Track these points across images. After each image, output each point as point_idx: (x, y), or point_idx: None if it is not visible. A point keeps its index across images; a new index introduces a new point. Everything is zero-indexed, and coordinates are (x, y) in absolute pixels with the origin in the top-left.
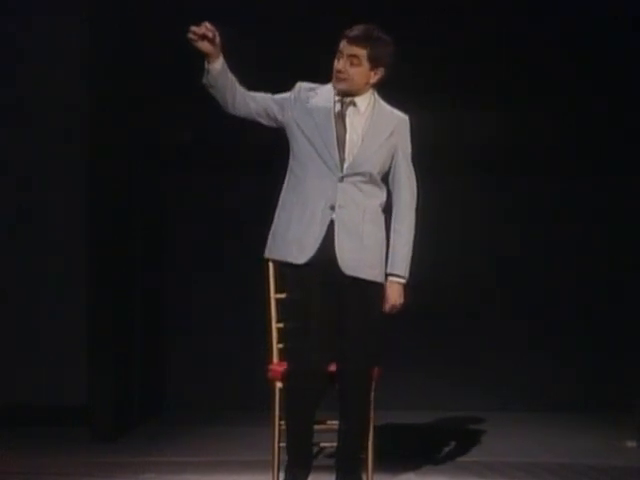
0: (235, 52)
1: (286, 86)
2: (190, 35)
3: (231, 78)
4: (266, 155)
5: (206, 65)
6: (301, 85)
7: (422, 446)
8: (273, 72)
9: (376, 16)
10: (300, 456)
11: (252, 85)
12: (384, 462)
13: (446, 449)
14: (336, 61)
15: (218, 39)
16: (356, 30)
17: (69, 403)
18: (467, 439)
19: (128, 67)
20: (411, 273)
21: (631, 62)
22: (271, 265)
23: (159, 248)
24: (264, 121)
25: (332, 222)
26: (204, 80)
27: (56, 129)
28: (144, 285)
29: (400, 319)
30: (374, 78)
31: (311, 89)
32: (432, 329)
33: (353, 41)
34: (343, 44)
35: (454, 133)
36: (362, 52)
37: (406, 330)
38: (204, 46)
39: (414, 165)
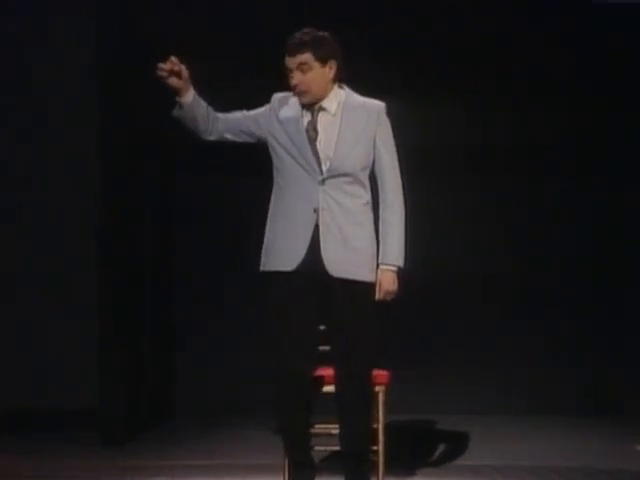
0: (232, 54)
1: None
2: (159, 72)
3: (204, 107)
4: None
5: (177, 99)
6: (276, 96)
7: (430, 449)
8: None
9: (376, 16)
10: (300, 459)
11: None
12: (391, 465)
13: (456, 452)
14: (289, 80)
15: (186, 73)
16: (291, 41)
17: (79, 407)
18: (478, 442)
19: (130, 67)
20: (412, 273)
21: (631, 62)
22: None
23: (170, 251)
24: (239, 139)
25: (317, 226)
26: (175, 113)
27: (57, 129)
28: (154, 290)
29: (406, 321)
30: (331, 73)
31: (284, 99)
32: (436, 331)
33: (294, 51)
34: (287, 60)
35: (453, 133)
36: (307, 56)
37: (410, 332)
38: (173, 82)
39: (414, 165)
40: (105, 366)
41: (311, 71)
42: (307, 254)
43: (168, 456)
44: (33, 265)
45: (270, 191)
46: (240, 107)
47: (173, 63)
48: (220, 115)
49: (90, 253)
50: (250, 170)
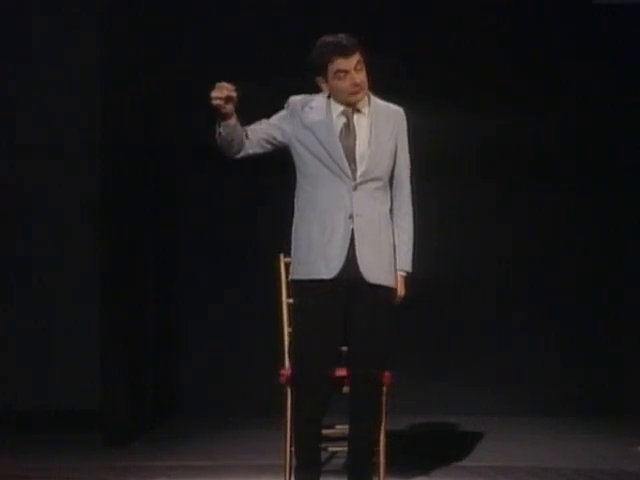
0: (232, 53)
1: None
2: (216, 102)
3: (240, 129)
4: (279, 156)
5: (222, 122)
6: (294, 99)
7: (434, 450)
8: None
9: (376, 17)
10: (309, 459)
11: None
12: (395, 466)
13: (458, 453)
14: (342, 81)
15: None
16: (342, 43)
17: (81, 408)
18: (479, 443)
19: (130, 67)
20: (413, 275)
21: (631, 62)
22: (283, 269)
23: (170, 250)
24: (261, 151)
25: (352, 232)
26: (217, 137)
27: (57, 129)
28: (154, 290)
29: (406, 322)
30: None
31: (304, 102)
32: (436, 331)
33: (349, 52)
34: (340, 62)
35: (454, 134)
36: (358, 55)
37: (410, 332)
38: (228, 109)
39: (413, 165)
40: (106, 367)
41: (363, 69)
42: (345, 261)
43: (168, 456)
44: (33, 265)
45: (271, 191)
46: (241, 106)
47: (228, 89)
48: (247, 133)
49: (90, 253)
50: (250, 170)
